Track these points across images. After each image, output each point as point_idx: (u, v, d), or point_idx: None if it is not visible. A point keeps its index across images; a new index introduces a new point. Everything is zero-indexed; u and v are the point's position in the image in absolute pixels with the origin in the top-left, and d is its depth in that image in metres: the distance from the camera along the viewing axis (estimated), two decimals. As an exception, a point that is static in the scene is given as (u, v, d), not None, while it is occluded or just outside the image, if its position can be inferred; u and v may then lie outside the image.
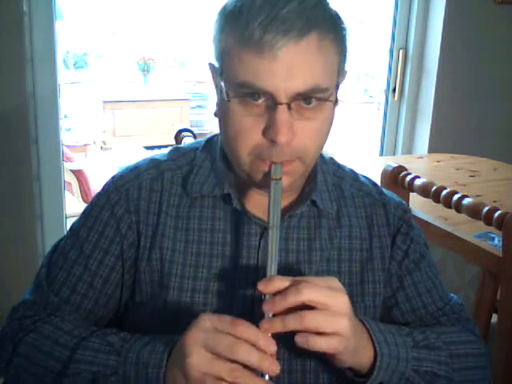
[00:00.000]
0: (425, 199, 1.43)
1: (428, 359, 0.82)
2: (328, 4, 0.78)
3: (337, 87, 0.80)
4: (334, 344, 0.70)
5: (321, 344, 0.70)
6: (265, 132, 0.75)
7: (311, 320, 0.69)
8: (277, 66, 0.72)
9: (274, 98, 0.74)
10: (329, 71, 0.77)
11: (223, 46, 0.77)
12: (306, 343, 0.70)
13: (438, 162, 2.53)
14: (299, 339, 0.70)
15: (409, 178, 1.46)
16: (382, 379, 0.78)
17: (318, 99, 0.76)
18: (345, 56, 0.80)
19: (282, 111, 0.74)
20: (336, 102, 0.80)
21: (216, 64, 0.80)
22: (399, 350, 0.79)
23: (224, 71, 0.78)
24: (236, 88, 0.75)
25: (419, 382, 0.81)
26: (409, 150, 2.96)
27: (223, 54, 0.77)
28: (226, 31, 0.76)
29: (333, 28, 0.76)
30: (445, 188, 1.37)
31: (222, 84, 0.78)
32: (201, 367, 0.66)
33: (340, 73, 0.80)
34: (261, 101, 0.75)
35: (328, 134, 0.81)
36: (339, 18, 0.78)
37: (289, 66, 0.72)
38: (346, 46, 0.80)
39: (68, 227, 0.95)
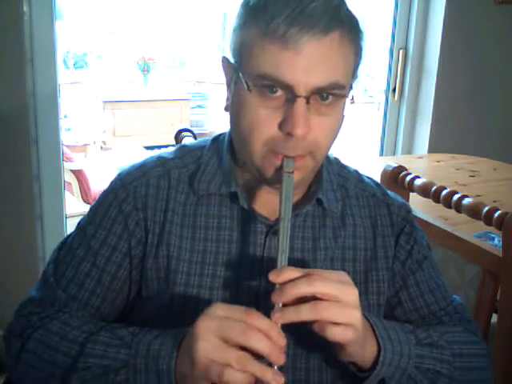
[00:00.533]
0: (425, 199, 1.43)
1: (430, 357, 0.83)
2: (348, 6, 0.79)
3: (350, 88, 0.81)
4: (348, 334, 0.71)
5: (336, 333, 0.70)
6: (281, 125, 0.76)
7: (325, 310, 0.69)
8: (299, 60, 0.73)
9: (293, 90, 0.74)
10: (347, 70, 0.78)
11: (245, 38, 0.78)
12: (323, 331, 0.70)
13: (438, 162, 2.53)
14: (317, 327, 0.70)
15: (409, 178, 1.46)
16: (385, 375, 0.78)
17: (335, 95, 0.77)
18: (360, 60, 0.81)
19: (301, 104, 0.75)
20: (352, 100, 0.81)
21: (233, 57, 0.81)
22: (402, 346, 0.80)
23: (243, 63, 0.78)
24: (255, 80, 0.76)
25: (421, 379, 0.82)
26: (409, 150, 2.96)
27: (244, 47, 0.78)
28: (248, 24, 0.77)
29: (353, 30, 0.78)
30: (445, 188, 1.37)
31: (241, 75, 0.78)
32: (209, 353, 0.67)
33: (354, 75, 0.81)
34: (278, 94, 0.76)
35: (338, 132, 0.82)
36: (358, 21, 0.80)
37: (311, 60, 0.74)
38: (362, 51, 0.81)
39: (68, 227, 0.95)
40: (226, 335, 0.67)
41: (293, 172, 0.78)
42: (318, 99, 0.76)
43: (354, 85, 0.82)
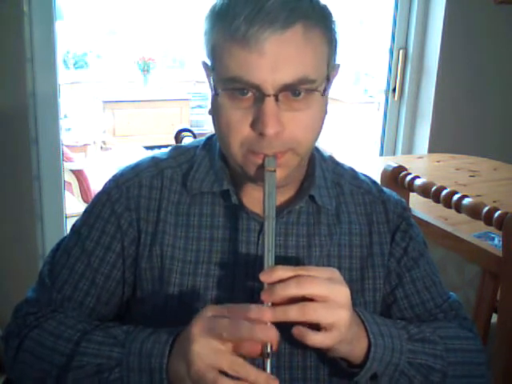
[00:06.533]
0: (425, 199, 1.43)
1: (423, 352, 0.83)
2: None
3: (328, 80, 0.80)
4: (327, 341, 0.71)
5: (314, 340, 0.71)
6: (253, 125, 0.76)
7: (312, 312, 0.69)
8: (263, 59, 0.73)
9: (261, 90, 0.74)
10: (317, 63, 0.77)
11: (213, 42, 0.78)
12: (302, 338, 0.70)
13: (438, 162, 2.53)
14: (295, 332, 0.70)
15: (409, 178, 1.46)
16: (377, 370, 0.78)
17: (305, 90, 0.76)
18: (335, 48, 0.81)
19: (269, 103, 0.74)
20: (324, 93, 0.79)
21: (208, 61, 0.81)
22: (393, 341, 0.80)
23: (215, 67, 0.79)
24: (225, 83, 0.76)
25: (414, 374, 0.82)
26: (409, 150, 2.96)
27: (214, 50, 0.78)
28: (215, 27, 0.77)
29: (321, 20, 0.77)
30: (445, 188, 1.37)
31: (211, 80, 0.79)
32: (204, 357, 0.68)
33: (330, 65, 0.81)
34: (249, 95, 0.76)
35: (321, 126, 0.82)
36: (327, 10, 0.79)
37: (275, 57, 0.73)
38: (335, 39, 0.80)
39: (68, 227, 0.96)
40: (215, 333, 0.68)
41: (275, 170, 0.77)
42: (289, 96, 0.76)
43: (333, 77, 0.82)
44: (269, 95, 0.74)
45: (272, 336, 0.67)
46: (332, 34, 0.79)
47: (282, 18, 0.72)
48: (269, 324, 0.68)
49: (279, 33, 0.72)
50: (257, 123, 0.75)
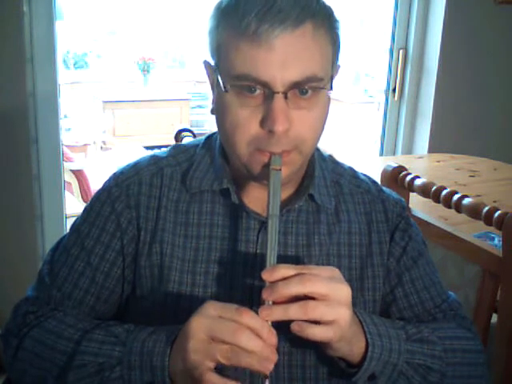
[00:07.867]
0: (425, 199, 1.43)
1: (421, 352, 0.83)
2: None
3: (331, 79, 0.81)
4: (328, 334, 0.71)
5: (316, 333, 0.71)
6: (262, 122, 0.76)
7: (312, 310, 0.69)
8: (273, 56, 0.73)
9: (270, 87, 0.75)
10: (324, 61, 0.78)
11: (220, 39, 0.78)
12: (302, 332, 0.70)
13: (438, 162, 2.53)
14: (295, 327, 0.70)
15: (409, 178, 1.46)
16: (375, 370, 0.78)
17: (313, 88, 0.77)
18: (338, 48, 0.81)
19: (279, 100, 0.75)
20: (330, 93, 0.80)
21: (212, 59, 0.81)
22: (392, 341, 0.80)
23: (220, 65, 0.79)
24: (233, 80, 0.76)
25: (412, 374, 0.82)
26: (409, 149, 2.96)
27: (220, 48, 0.78)
28: (222, 25, 0.77)
29: (327, 20, 0.78)
30: (445, 188, 1.37)
31: (219, 78, 0.78)
32: (198, 353, 0.68)
33: (333, 65, 0.81)
34: (257, 93, 0.76)
35: (324, 125, 0.82)
36: (332, 11, 0.80)
37: (285, 55, 0.74)
38: (339, 39, 0.81)
39: (68, 227, 0.95)
40: (217, 335, 0.68)
41: (280, 169, 0.78)
42: (297, 94, 0.76)
43: (335, 77, 0.83)
44: (278, 92, 0.74)
45: (273, 360, 0.67)
46: (336, 34, 0.80)
47: (293, 16, 0.73)
48: (274, 348, 0.68)
49: (290, 31, 0.73)
50: (266, 121, 0.75)
